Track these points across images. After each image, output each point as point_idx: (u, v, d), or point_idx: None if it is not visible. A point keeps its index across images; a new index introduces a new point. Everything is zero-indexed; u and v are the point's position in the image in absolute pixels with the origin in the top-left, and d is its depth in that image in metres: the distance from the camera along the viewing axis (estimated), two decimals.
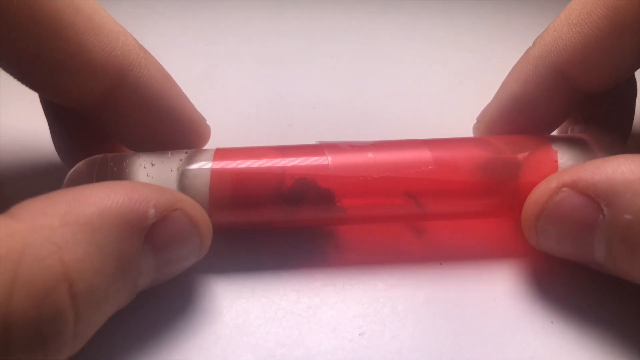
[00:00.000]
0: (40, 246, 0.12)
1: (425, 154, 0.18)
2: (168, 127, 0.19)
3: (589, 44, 0.17)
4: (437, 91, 0.28)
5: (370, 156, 0.18)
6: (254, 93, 0.28)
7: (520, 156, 0.18)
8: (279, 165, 0.18)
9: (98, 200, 0.13)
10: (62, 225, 0.12)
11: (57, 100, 0.18)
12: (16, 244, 0.12)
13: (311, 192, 0.17)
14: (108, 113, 0.18)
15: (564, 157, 0.18)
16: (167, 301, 0.17)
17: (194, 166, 0.18)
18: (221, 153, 0.18)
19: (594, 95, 0.19)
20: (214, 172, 0.17)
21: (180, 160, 0.18)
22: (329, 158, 0.18)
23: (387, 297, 0.17)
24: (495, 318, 0.17)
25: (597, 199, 0.15)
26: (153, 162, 0.18)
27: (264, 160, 0.18)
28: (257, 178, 0.17)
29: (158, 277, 0.16)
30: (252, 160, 0.18)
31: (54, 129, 0.21)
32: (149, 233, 0.14)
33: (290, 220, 0.18)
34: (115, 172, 0.17)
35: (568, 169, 0.16)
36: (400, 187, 0.18)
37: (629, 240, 0.15)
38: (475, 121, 0.22)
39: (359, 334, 0.16)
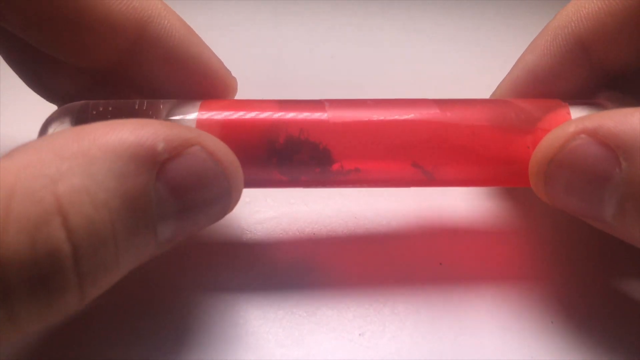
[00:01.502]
0: (33, 179, 0.11)
1: (434, 112, 0.17)
2: (193, 78, 0.19)
3: (612, 12, 0.16)
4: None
5: (371, 104, 0.17)
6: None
7: (536, 113, 0.17)
8: (273, 118, 0.16)
9: (99, 134, 0.13)
10: (56, 159, 0.12)
11: (83, 63, 0.18)
12: (8, 179, 0.11)
13: (307, 150, 0.16)
14: (132, 68, 0.18)
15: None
16: (168, 301, 0.17)
17: (177, 117, 0.17)
18: (208, 104, 0.17)
19: (615, 77, 0.18)
20: (199, 124, 0.16)
21: (163, 109, 0.17)
22: (329, 112, 0.16)
23: (387, 297, 0.17)
24: (495, 318, 0.17)
25: (616, 150, 0.14)
26: (137, 107, 0.17)
27: (256, 113, 0.16)
28: (247, 132, 0.16)
29: (183, 227, 0.14)
30: (243, 113, 0.16)
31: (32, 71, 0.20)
32: (162, 169, 0.13)
33: (284, 180, 0.17)
34: (96, 117, 0.16)
35: (590, 115, 0.15)
36: (407, 144, 0.17)
37: None
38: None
39: (359, 334, 0.16)
